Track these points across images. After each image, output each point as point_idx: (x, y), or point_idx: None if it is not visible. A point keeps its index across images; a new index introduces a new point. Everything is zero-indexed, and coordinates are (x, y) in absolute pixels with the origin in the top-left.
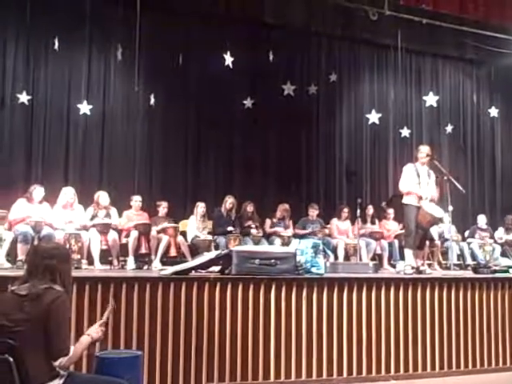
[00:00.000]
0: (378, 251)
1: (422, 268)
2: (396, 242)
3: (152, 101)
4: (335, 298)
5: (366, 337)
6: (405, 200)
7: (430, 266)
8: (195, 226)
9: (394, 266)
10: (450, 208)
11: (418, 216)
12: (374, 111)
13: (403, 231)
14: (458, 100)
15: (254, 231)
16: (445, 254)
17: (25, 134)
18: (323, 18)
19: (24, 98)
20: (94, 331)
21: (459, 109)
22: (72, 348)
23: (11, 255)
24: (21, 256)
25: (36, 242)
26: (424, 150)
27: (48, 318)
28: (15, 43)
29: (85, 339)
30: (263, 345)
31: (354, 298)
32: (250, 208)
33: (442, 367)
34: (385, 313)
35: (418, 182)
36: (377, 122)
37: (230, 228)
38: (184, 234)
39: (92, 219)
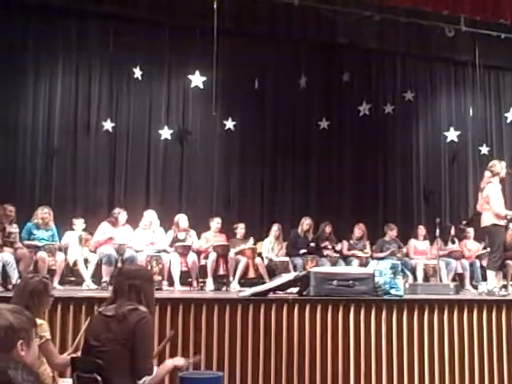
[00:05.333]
0: (459, 270)
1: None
2: (477, 261)
3: (229, 124)
4: (415, 321)
5: (448, 361)
6: (492, 220)
7: None
8: (269, 247)
9: (476, 287)
10: None
11: (507, 236)
12: (452, 129)
13: (485, 251)
14: None
15: (330, 252)
16: None
17: (109, 160)
18: (397, 37)
19: (108, 125)
20: (180, 360)
21: None
22: (155, 368)
23: (96, 277)
24: (105, 277)
25: (119, 264)
26: (503, 166)
27: (134, 338)
28: (99, 72)
29: (169, 363)
30: (342, 367)
31: (435, 321)
32: (328, 229)
33: None
34: (468, 336)
35: (502, 200)
36: (455, 139)
37: (302, 251)
38: (261, 255)
39: (172, 241)
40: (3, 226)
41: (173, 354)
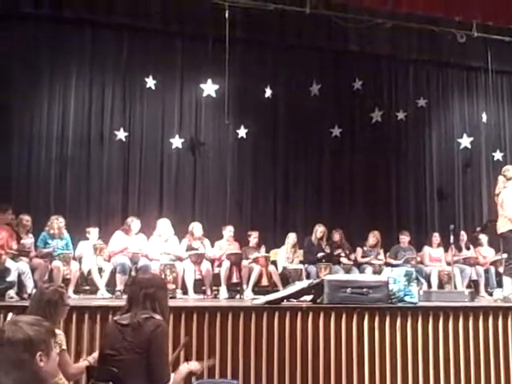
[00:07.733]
0: (474, 277)
1: None
2: (492, 268)
3: (242, 133)
4: (430, 328)
5: (463, 369)
6: (509, 225)
7: None
8: (285, 256)
9: (491, 294)
10: None
11: None
12: (465, 135)
13: (500, 257)
14: None
15: (344, 259)
16: None
17: (122, 169)
18: (409, 44)
19: (121, 134)
20: (195, 364)
21: None
22: (172, 375)
23: (110, 285)
24: (119, 286)
25: (133, 273)
26: None
27: (149, 346)
28: (112, 82)
29: (183, 368)
30: (357, 374)
31: (450, 328)
32: (337, 236)
33: None
34: (483, 344)
35: None
36: (468, 146)
37: (320, 254)
38: (275, 263)
39: (187, 250)
40: (19, 236)
41: None
